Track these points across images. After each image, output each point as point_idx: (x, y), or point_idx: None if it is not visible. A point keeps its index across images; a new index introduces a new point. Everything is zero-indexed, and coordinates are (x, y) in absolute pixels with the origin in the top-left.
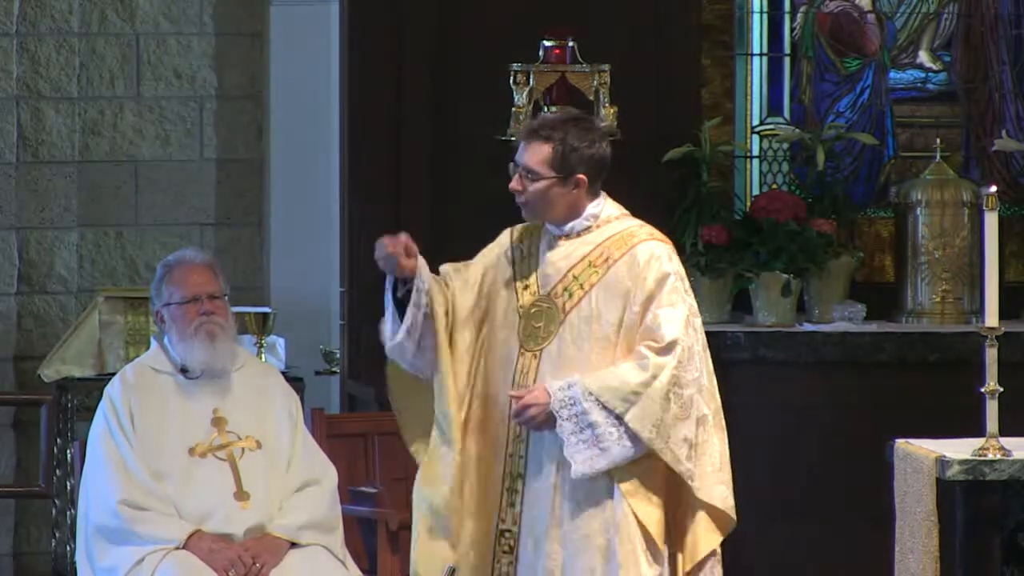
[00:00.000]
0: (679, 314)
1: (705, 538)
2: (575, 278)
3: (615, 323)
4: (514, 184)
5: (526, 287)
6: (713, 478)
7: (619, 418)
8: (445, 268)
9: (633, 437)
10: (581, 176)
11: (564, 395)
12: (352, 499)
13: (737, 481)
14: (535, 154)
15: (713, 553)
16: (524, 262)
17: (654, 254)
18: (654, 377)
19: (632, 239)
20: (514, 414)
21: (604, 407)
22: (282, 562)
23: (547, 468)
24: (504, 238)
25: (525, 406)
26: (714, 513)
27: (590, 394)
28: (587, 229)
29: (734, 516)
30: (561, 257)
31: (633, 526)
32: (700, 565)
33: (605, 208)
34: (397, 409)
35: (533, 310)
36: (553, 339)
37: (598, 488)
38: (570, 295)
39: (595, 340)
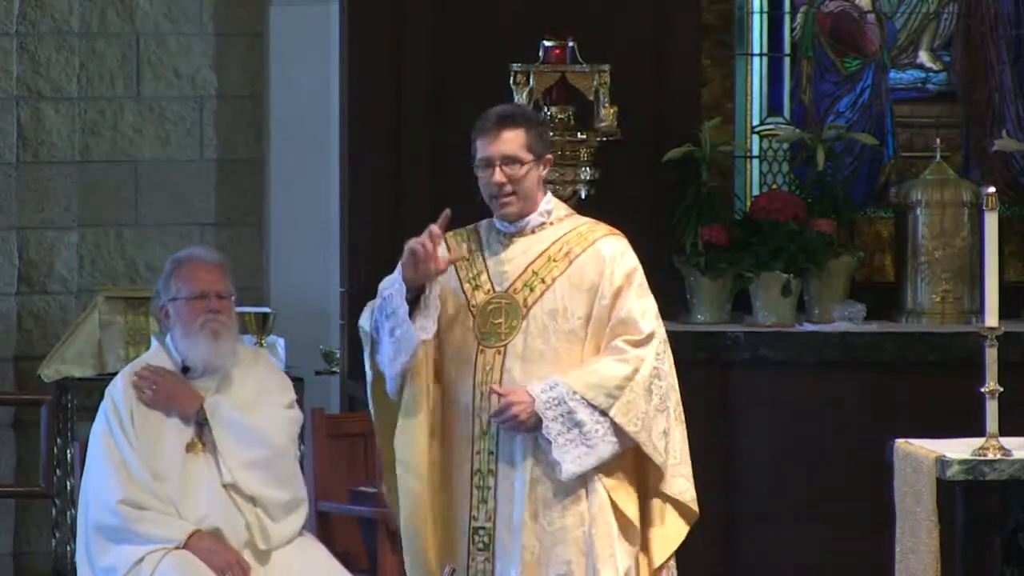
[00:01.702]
0: (651, 307)
1: (671, 534)
2: (535, 273)
3: (583, 317)
4: (499, 177)
5: (477, 287)
6: (674, 471)
7: (604, 414)
8: None
9: (618, 431)
10: (548, 157)
11: (548, 396)
12: (352, 499)
13: (737, 481)
14: (512, 141)
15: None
16: (469, 264)
17: (618, 249)
18: (635, 371)
19: (592, 234)
20: (495, 415)
21: (590, 404)
22: (277, 560)
23: (521, 463)
24: (441, 248)
25: (508, 405)
26: (678, 507)
27: (575, 393)
28: (541, 225)
29: (696, 508)
30: (518, 254)
31: (609, 518)
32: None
33: (556, 205)
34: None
35: (490, 307)
36: (517, 334)
37: (573, 481)
38: (531, 290)
39: (562, 334)
